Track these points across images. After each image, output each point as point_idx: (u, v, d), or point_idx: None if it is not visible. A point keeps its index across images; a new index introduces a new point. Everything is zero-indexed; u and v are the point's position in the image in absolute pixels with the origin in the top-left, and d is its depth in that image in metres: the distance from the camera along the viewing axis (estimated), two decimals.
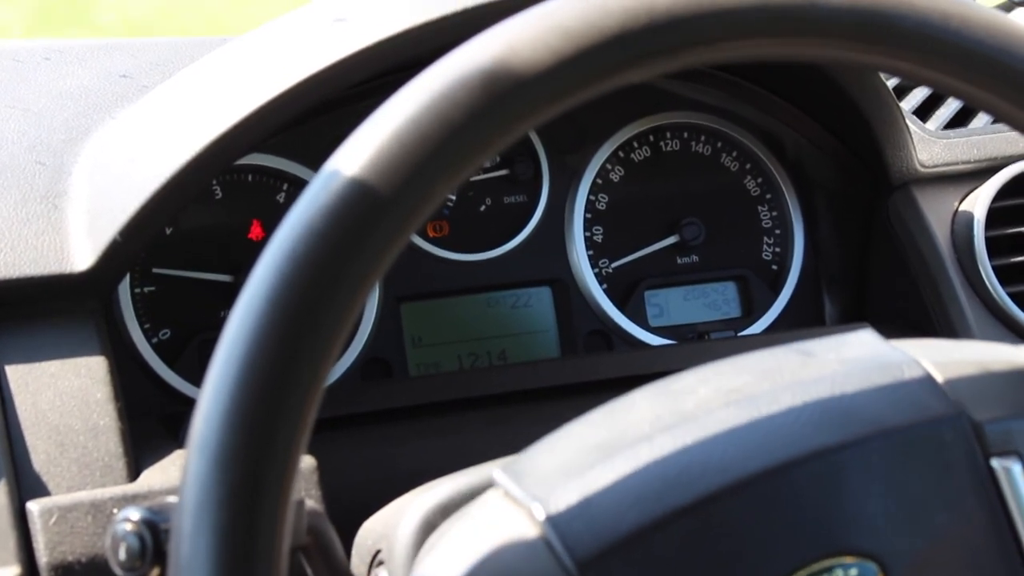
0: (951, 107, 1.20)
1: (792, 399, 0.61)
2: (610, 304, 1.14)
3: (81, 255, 0.90)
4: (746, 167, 1.19)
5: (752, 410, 0.61)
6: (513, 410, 1.06)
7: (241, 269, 1.02)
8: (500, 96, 0.54)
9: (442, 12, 0.90)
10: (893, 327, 1.09)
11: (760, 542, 0.59)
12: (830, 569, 0.59)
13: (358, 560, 0.79)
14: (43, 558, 0.79)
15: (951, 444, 0.61)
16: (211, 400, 0.51)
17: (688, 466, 0.59)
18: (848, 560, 0.59)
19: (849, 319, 1.18)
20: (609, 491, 0.58)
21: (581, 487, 0.58)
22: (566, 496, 0.58)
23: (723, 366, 0.65)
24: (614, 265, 1.15)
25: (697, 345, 1.13)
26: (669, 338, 1.14)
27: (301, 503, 0.76)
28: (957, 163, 1.15)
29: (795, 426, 0.60)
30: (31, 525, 0.80)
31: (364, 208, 0.52)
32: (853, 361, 0.64)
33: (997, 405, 0.63)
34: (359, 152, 0.54)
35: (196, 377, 1.01)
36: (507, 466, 0.61)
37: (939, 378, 0.63)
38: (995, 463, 0.62)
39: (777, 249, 1.19)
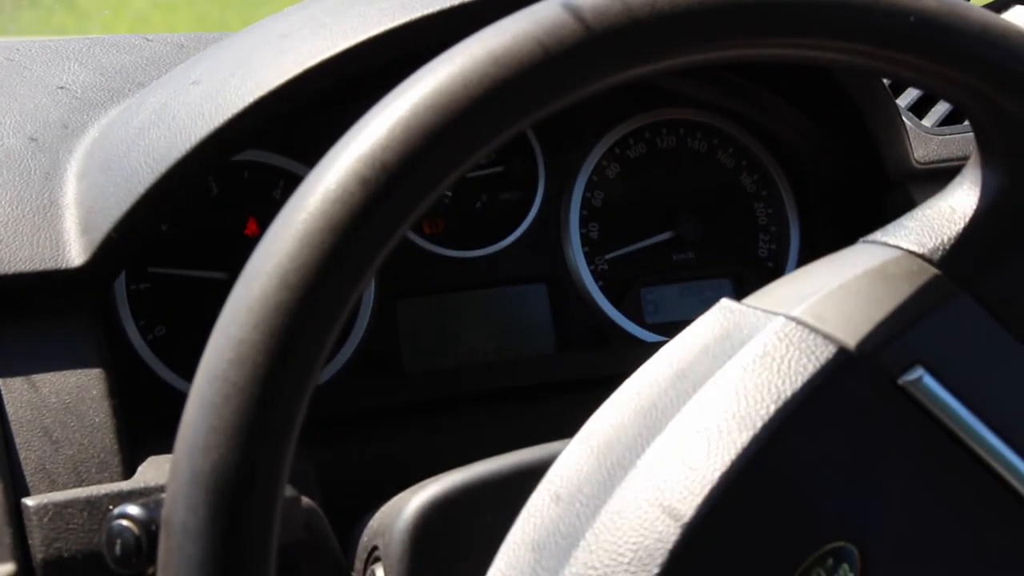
0: (947, 104, 1.20)
1: (700, 415, 0.60)
2: (606, 301, 1.14)
3: (76, 252, 0.90)
4: (742, 164, 1.19)
5: (669, 442, 0.59)
6: (509, 407, 1.06)
7: (237, 266, 1.01)
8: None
9: (439, 7, 0.90)
10: None
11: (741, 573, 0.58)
12: (809, 572, 0.58)
13: (354, 557, 0.79)
14: (38, 555, 0.79)
15: (857, 389, 0.60)
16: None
17: (639, 546, 0.57)
18: (824, 552, 0.58)
19: None
20: None
21: None
22: None
23: (617, 404, 0.63)
24: (610, 262, 1.15)
25: None
26: (665, 335, 1.14)
27: (297, 499, 0.76)
28: (953, 159, 1.15)
29: (718, 445, 0.58)
30: (26, 522, 0.80)
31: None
32: (728, 343, 0.62)
33: (878, 328, 0.61)
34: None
35: (192, 374, 1.01)
36: None
37: (817, 326, 0.61)
38: (902, 382, 0.60)
39: (773, 246, 1.19)
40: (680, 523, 0.57)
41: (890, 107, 1.09)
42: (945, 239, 0.64)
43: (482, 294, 1.12)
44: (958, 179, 0.66)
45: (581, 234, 1.14)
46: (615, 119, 1.16)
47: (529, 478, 0.64)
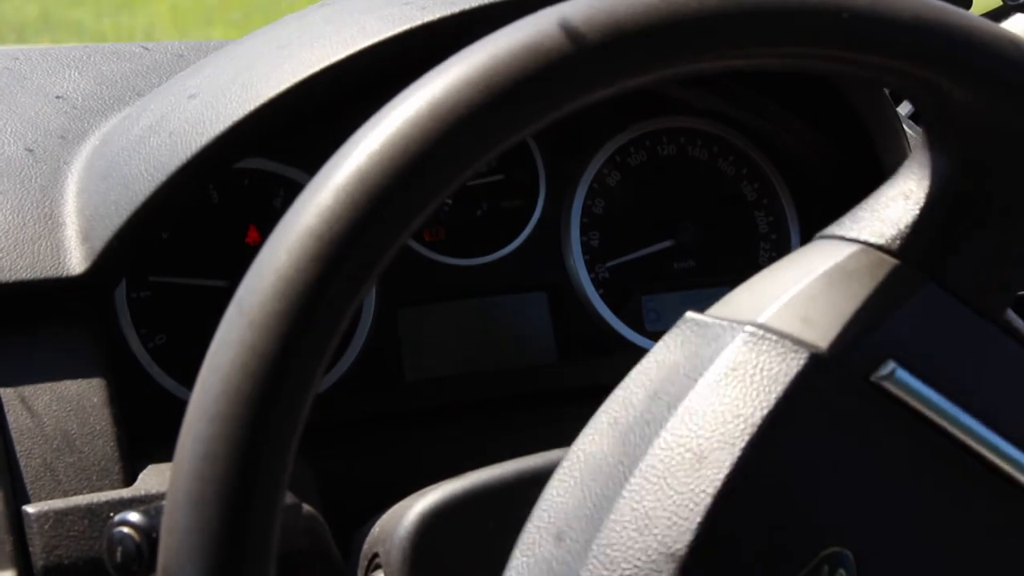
0: None
1: (679, 436, 0.59)
2: (606, 309, 1.14)
3: (76, 260, 0.90)
4: (743, 171, 1.19)
5: (652, 471, 0.58)
6: (510, 415, 1.06)
7: (237, 274, 1.01)
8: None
9: (439, 15, 0.91)
10: None
11: None
12: None
13: (355, 564, 0.79)
14: (39, 562, 0.79)
15: (833, 391, 0.59)
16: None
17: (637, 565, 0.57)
18: (819, 559, 0.58)
19: None
20: None
21: None
22: None
23: (595, 431, 0.62)
24: (611, 270, 1.15)
25: None
26: None
27: (297, 507, 0.76)
28: None
29: (701, 466, 0.57)
30: (27, 529, 0.80)
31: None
32: (698, 359, 0.61)
33: (846, 328, 0.60)
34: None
35: (192, 382, 1.01)
36: None
37: (786, 332, 0.60)
38: (875, 378, 0.60)
39: (774, 254, 1.19)
40: (672, 550, 0.56)
41: (891, 115, 1.09)
42: (901, 227, 0.63)
43: (483, 302, 1.12)
44: (907, 165, 0.65)
45: (582, 242, 1.14)
46: (616, 127, 1.16)
47: (530, 486, 0.64)
